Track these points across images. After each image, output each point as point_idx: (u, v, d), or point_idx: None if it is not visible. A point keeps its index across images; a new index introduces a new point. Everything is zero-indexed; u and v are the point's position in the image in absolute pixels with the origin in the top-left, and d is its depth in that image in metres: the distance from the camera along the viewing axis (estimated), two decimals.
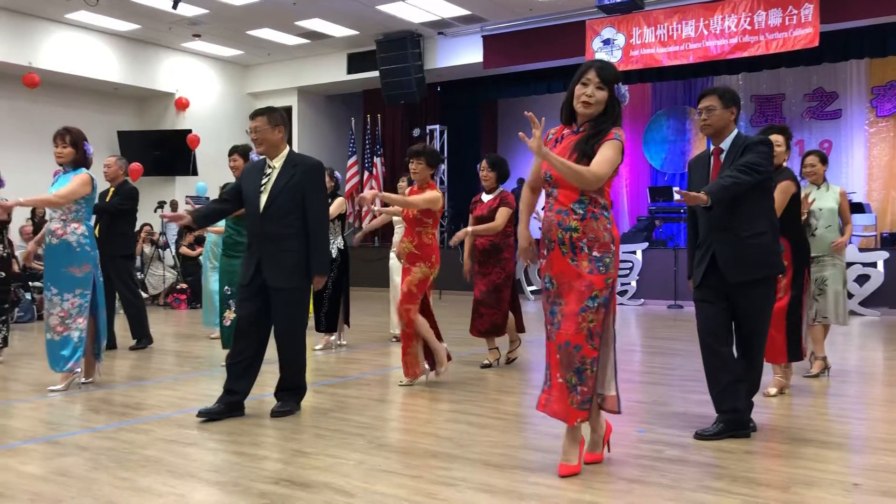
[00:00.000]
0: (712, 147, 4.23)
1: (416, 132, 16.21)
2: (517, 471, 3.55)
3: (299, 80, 16.62)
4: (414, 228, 5.59)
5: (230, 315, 6.20)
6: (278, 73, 16.81)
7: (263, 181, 4.69)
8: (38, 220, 12.00)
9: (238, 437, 4.15)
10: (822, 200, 6.06)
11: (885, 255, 11.09)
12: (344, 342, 7.73)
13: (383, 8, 13.15)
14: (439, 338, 5.70)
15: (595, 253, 3.41)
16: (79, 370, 5.52)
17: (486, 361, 6.49)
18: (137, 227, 13.18)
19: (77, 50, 13.98)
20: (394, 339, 7.99)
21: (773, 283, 4.21)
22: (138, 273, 12.17)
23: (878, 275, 10.97)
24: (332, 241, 7.26)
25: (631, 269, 12.62)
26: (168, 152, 15.13)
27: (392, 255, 8.02)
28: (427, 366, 5.70)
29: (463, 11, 13.40)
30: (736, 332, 4.20)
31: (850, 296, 11.04)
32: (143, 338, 7.62)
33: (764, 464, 3.69)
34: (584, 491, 3.26)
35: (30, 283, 9.69)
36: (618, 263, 3.55)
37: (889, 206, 14.07)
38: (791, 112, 14.97)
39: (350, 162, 16.56)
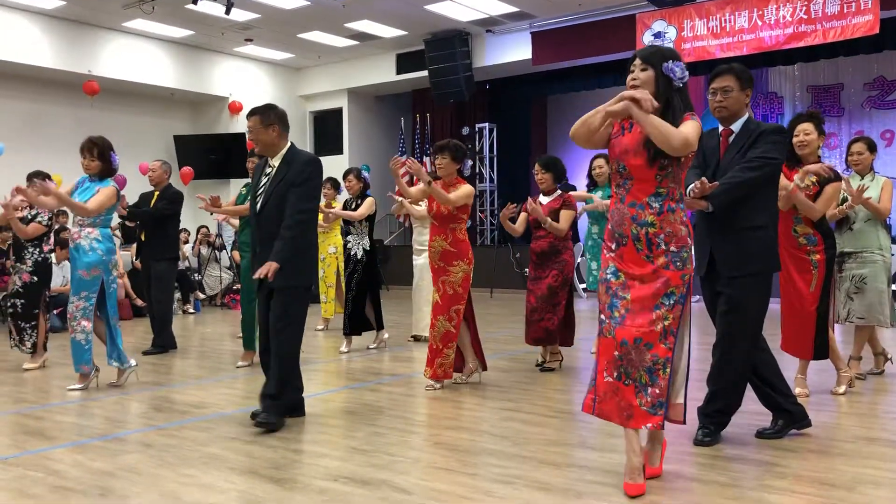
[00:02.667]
0: (721, 128, 4.00)
1: (465, 131, 16.23)
2: (573, 469, 3.54)
3: (349, 82, 16.78)
4: (447, 225, 5.44)
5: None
6: (328, 75, 17.00)
7: (263, 181, 4.56)
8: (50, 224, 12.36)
9: (297, 435, 4.22)
10: (866, 192, 5.47)
11: None
12: (374, 346, 7.48)
13: (431, 7, 13.19)
14: (479, 349, 5.62)
15: (672, 248, 3.21)
16: (92, 371, 5.68)
17: (549, 365, 6.24)
18: (194, 230, 13.54)
19: (134, 57, 14.34)
20: (410, 339, 7.95)
21: (767, 281, 3.88)
22: (195, 274, 12.45)
23: None
24: (357, 241, 7.29)
25: None
26: (222, 155, 15.43)
27: (416, 255, 7.87)
28: (472, 364, 5.67)
29: (511, 8, 13.36)
30: (717, 322, 3.93)
31: None
32: (162, 343, 7.49)
33: (828, 463, 3.61)
34: None
35: None
36: (693, 258, 3.42)
37: None
38: (850, 102, 14.57)
39: None
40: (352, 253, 7.30)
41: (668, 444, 3.69)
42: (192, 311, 11.68)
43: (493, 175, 16.29)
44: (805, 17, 11.52)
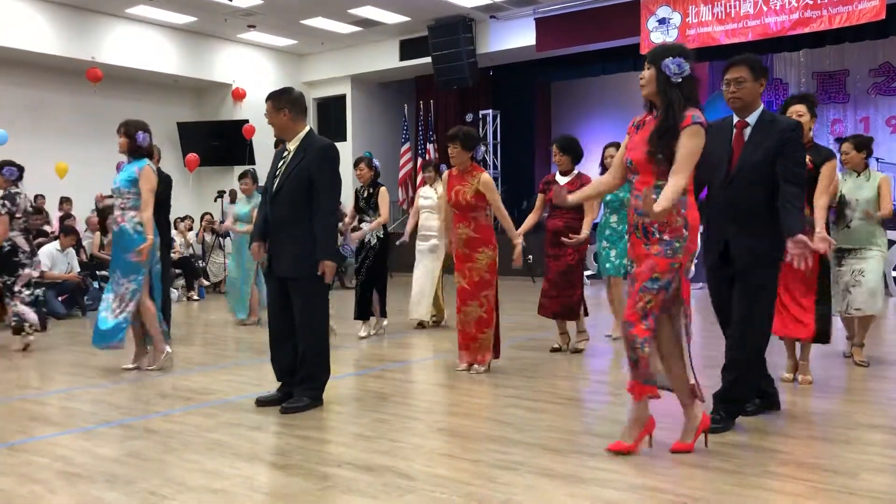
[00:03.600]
0: (736, 119, 3.97)
1: (469, 117, 16.19)
2: (577, 455, 3.55)
3: (352, 68, 16.75)
4: (468, 214, 5.48)
5: None
6: (332, 62, 16.96)
7: (280, 165, 4.55)
8: (101, 209, 12.38)
9: (301, 422, 4.24)
10: (861, 190, 5.63)
11: None
12: (373, 332, 7.45)
13: None
14: (498, 334, 5.63)
15: (666, 237, 3.46)
16: (120, 344, 5.74)
17: (556, 345, 6.39)
18: (198, 217, 13.55)
19: (137, 44, 14.32)
20: (417, 326, 7.90)
21: (774, 272, 3.91)
22: (199, 261, 12.47)
23: None
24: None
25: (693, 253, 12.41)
26: (226, 142, 15.43)
27: (420, 240, 7.88)
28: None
29: None
30: (735, 309, 3.93)
31: None
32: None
33: (831, 450, 3.62)
34: (645, 476, 3.24)
35: (97, 272, 9.99)
36: (692, 248, 3.50)
37: None
38: (855, 88, 14.50)
39: (403, 148, 16.64)
40: (365, 240, 7.32)
41: (672, 430, 3.72)
42: (196, 297, 11.71)
43: (497, 162, 16.26)
44: (810, 2, 11.45)
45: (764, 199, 3.81)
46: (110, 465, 3.51)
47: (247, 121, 15.30)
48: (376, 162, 7.48)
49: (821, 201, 4.70)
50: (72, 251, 9.41)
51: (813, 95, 4.99)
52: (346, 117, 17.28)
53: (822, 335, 4.97)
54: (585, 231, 6.05)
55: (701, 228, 3.89)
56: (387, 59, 16.20)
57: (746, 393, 4.01)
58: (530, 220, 6.26)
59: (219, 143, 15.38)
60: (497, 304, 5.57)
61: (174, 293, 11.55)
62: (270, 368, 4.72)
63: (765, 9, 11.85)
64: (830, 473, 3.25)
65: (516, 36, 14.57)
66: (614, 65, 14.51)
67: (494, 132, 16.30)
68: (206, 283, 12.33)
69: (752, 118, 3.93)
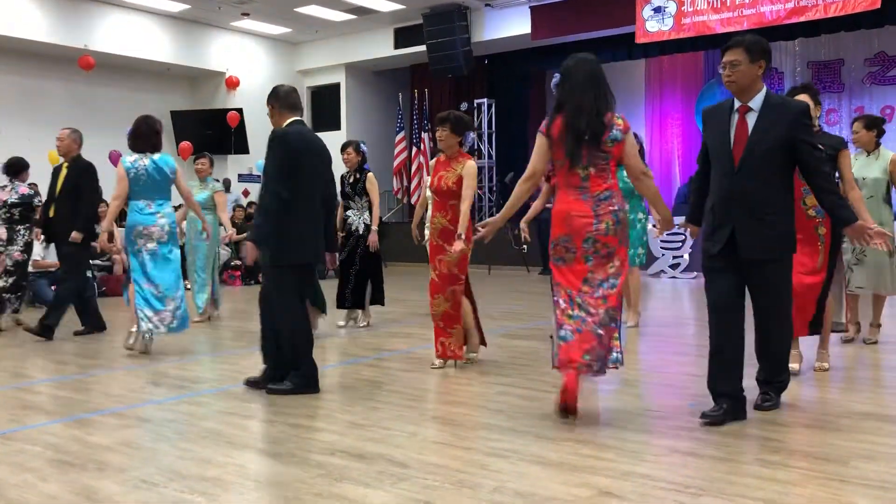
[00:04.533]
0: (738, 104, 3.84)
1: (464, 106, 16.12)
2: (569, 443, 3.56)
3: (347, 57, 16.68)
4: (447, 202, 5.23)
5: None
6: (326, 50, 16.88)
7: None
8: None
9: (294, 410, 4.24)
10: (869, 168, 5.77)
11: None
12: (363, 323, 7.34)
13: None
14: (479, 323, 5.52)
15: None
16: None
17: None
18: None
19: (130, 31, 14.23)
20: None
21: (789, 262, 3.91)
22: None
23: None
24: (358, 216, 7.16)
25: (683, 242, 12.44)
26: (220, 131, 15.37)
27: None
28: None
29: None
30: (753, 307, 3.92)
31: None
32: (49, 327, 6.70)
33: (822, 437, 3.63)
34: (637, 463, 3.25)
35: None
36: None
37: None
38: (851, 78, 14.49)
39: (398, 137, 16.59)
40: (352, 228, 7.18)
41: (665, 419, 3.76)
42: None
43: (492, 151, 16.23)
44: None
45: (776, 188, 3.77)
46: (102, 453, 3.51)
47: (240, 109, 15.22)
48: (364, 147, 7.31)
49: (854, 193, 4.79)
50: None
51: (814, 85, 5.00)
52: (340, 106, 17.22)
53: (815, 328, 4.82)
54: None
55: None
56: (381, 47, 16.14)
57: (787, 365, 4.14)
58: (537, 207, 6.19)
59: (212, 131, 15.32)
60: (472, 296, 5.44)
61: None
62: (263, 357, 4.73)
63: None
64: (822, 461, 3.26)
65: (511, 24, 14.52)
66: (609, 53, 14.46)
67: (489, 121, 16.26)
68: None
69: (755, 102, 3.80)
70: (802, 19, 11.65)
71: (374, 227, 7.11)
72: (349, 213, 7.22)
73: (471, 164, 5.22)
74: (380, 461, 3.32)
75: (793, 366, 4.72)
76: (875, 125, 5.82)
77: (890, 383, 4.91)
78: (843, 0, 11.18)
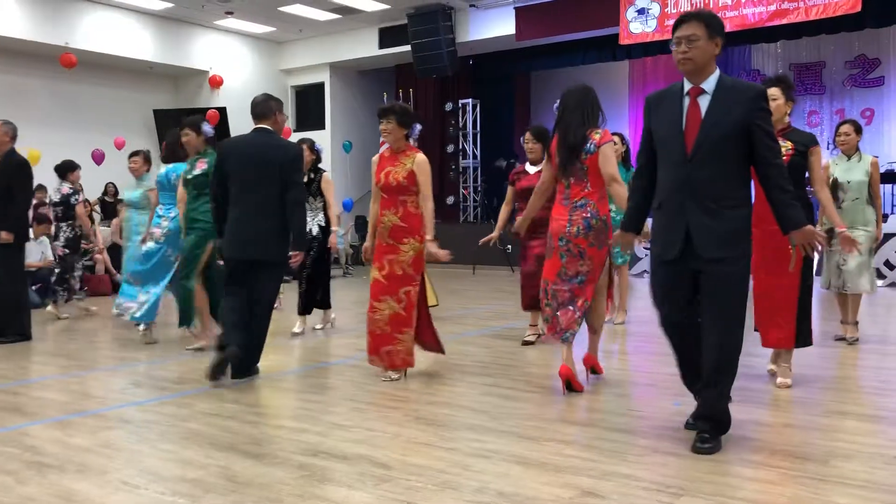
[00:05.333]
0: (688, 85, 3.46)
1: (449, 106, 16.15)
2: (552, 443, 3.57)
3: (331, 56, 16.63)
4: (397, 198, 4.91)
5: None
6: (311, 49, 16.83)
7: None
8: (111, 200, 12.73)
9: (277, 411, 4.23)
10: (852, 172, 5.91)
11: None
12: (321, 326, 7.10)
13: None
14: (436, 337, 5.16)
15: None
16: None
17: (527, 338, 6.27)
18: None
19: (112, 29, 14.12)
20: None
21: (746, 265, 3.47)
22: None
23: None
24: (312, 217, 6.81)
25: None
26: None
27: None
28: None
29: None
30: (702, 315, 3.50)
31: (892, 267, 10.85)
32: (14, 332, 6.54)
33: (803, 437, 3.66)
34: (619, 463, 3.26)
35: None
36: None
37: None
38: (832, 80, 14.63)
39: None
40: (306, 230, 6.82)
41: (648, 419, 3.77)
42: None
43: (477, 151, 16.25)
44: None
45: (732, 178, 3.41)
46: (83, 454, 3.48)
47: (224, 108, 15.14)
48: (319, 146, 6.98)
49: (824, 193, 4.69)
50: (45, 239, 9.30)
51: (788, 78, 4.75)
52: (324, 105, 17.16)
53: (805, 339, 4.68)
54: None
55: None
56: (366, 46, 16.10)
57: (728, 400, 3.53)
58: (504, 214, 6.24)
59: None
60: (425, 301, 5.11)
61: None
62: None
63: (743, 0, 11.90)
64: (802, 460, 3.29)
65: (496, 25, 14.53)
66: (594, 54, 14.53)
67: (474, 121, 16.28)
68: None
69: (708, 84, 3.42)
70: (784, 22, 11.74)
71: (334, 229, 6.86)
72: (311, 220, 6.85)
73: (422, 158, 4.94)
74: (362, 462, 3.32)
75: (784, 380, 4.62)
76: (860, 130, 6.04)
77: (867, 383, 4.96)
78: (823, 3, 11.27)
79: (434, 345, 5.19)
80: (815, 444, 3.52)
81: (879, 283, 10.78)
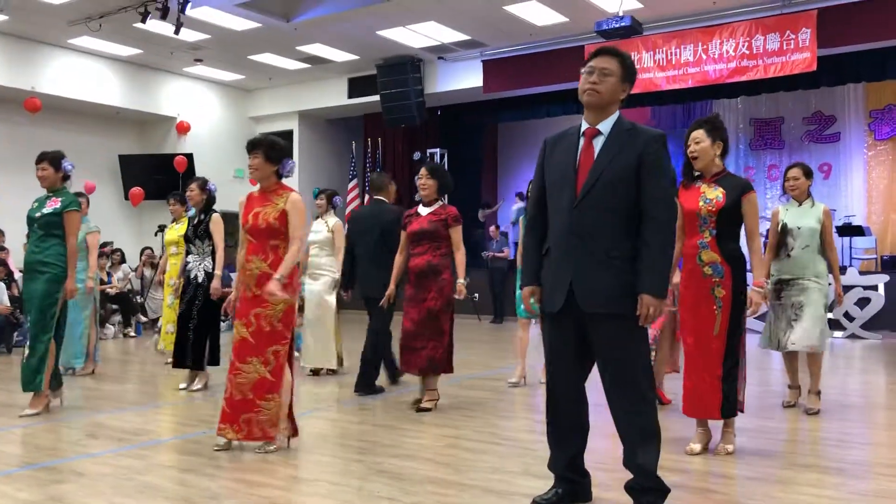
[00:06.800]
0: (585, 125, 3.25)
1: (417, 156, 16.26)
2: (516, 497, 3.52)
3: (300, 104, 16.71)
4: (267, 242, 4.39)
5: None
6: (279, 98, 16.90)
7: None
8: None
9: (236, 464, 4.13)
10: (803, 218, 5.45)
11: (886, 278, 11.08)
12: (198, 386, 6.42)
13: (384, 33, 13.24)
14: (290, 407, 4.50)
15: None
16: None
17: (425, 405, 5.54)
18: (137, 251, 13.24)
19: (79, 74, 14.06)
20: (309, 374, 7.24)
21: (638, 321, 3.11)
22: (138, 297, 12.17)
23: (878, 298, 10.95)
24: (198, 263, 6.40)
25: None
26: (169, 176, 15.16)
27: (310, 279, 7.18)
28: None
29: (463, 37, 13.49)
30: (602, 381, 3.23)
31: (851, 319, 11.04)
32: None
33: (764, 489, 3.66)
34: None
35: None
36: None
37: (889, 229, 14.09)
38: (790, 135, 15.05)
39: (351, 185, 16.62)
40: (191, 276, 6.36)
41: (611, 471, 3.72)
42: (133, 334, 11.40)
43: (444, 199, 16.31)
44: (747, 52, 11.88)
45: (624, 227, 3.13)
46: None
47: (191, 154, 15.08)
48: (212, 185, 6.51)
49: (755, 243, 4.23)
50: (1, 285, 9.11)
51: (716, 118, 4.35)
52: (292, 153, 17.18)
53: (729, 410, 4.23)
54: (462, 275, 5.47)
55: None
56: (335, 96, 16.23)
57: (656, 466, 3.23)
58: (399, 264, 5.65)
59: (161, 176, 15.11)
60: (291, 364, 4.52)
61: (110, 329, 11.26)
62: (207, 409, 4.60)
63: (704, 57, 12.24)
64: None
65: (464, 77, 14.75)
66: (559, 107, 14.77)
67: None
68: (143, 319, 12.01)
69: (604, 125, 3.21)
70: (744, 79, 12.09)
71: (217, 273, 6.28)
72: (189, 258, 6.47)
73: (296, 198, 4.46)
74: None
75: (693, 446, 4.28)
76: (811, 174, 5.62)
77: (834, 435, 4.98)
78: (781, 62, 11.64)
79: (290, 419, 4.49)
80: (776, 497, 3.52)
81: (838, 334, 10.98)
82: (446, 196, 6.26)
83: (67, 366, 7.27)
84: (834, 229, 12.87)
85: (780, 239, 5.51)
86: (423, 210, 5.64)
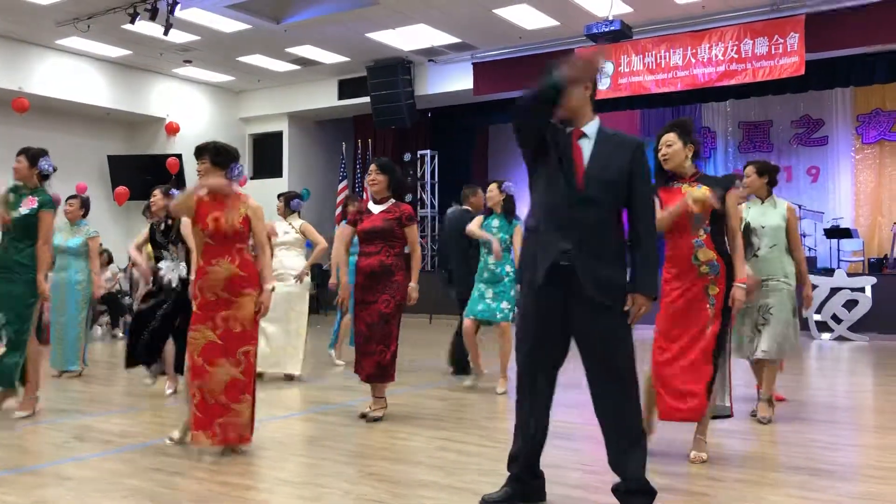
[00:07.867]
0: (570, 129, 3.38)
1: (407, 157, 16.26)
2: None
3: (290, 106, 16.69)
4: (233, 245, 4.38)
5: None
6: (269, 99, 16.87)
7: None
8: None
9: (224, 467, 4.10)
10: (767, 216, 5.29)
11: (873, 280, 11.14)
12: (170, 390, 6.31)
13: (374, 36, 13.24)
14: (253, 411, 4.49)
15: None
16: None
17: (375, 414, 5.29)
18: (125, 252, 13.16)
19: (68, 75, 14.00)
20: (284, 377, 7.06)
21: (627, 321, 3.25)
22: (126, 298, 12.10)
23: (865, 300, 11.01)
24: (171, 268, 6.15)
25: None
26: (158, 177, 15.09)
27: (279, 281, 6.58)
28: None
29: (453, 39, 13.50)
30: (588, 378, 3.31)
31: (839, 321, 11.08)
32: None
33: (754, 492, 3.66)
34: None
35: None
36: None
37: (876, 232, 14.18)
38: (779, 139, 15.12)
39: (340, 186, 16.60)
40: (164, 281, 6.12)
41: (600, 473, 3.72)
42: (121, 335, 11.34)
43: (435, 201, 16.34)
44: (736, 56, 11.93)
45: (613, 226, 3.29)
46: None
47: (180, 155, 15.03)
48: (175, 191, 6.18)
49: (737, 240, 4.20)
50: None
51: (688, 121, 4.39)
52: (282, 154, 17.15)
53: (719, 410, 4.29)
54: (415, 279, 5.28)
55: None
56: (325, 97, 16.21)
57: (643, 469, 3.28)
58: (343, 258, 5.45)
59: (150, 177, 15.04)
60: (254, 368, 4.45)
61: (98, 330, 11.19)
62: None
63: (693, 61, 12.29)
64: None
65: (454, 79, 14.76)
66: None
67: (432, 172, 16.40)
68: (130, 320, 11.94)
69: (590, 129, 3.36)
70: (733, 82, 12.14)
71: (192, 277, 5.97)
72: (161, 264, 6.22)
73: (255, 203, 4.50)
74: None
75: (700, 454, 4.22)
76: (767, 172, 5.41)
77: (823, 438, 4.99)
78: (770, 66, 11.70)
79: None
80: (766, 500, 3.53)
81: (826, 336, 11.03)
82: (438, 197, 6.14)
83: (63, 369, 7.30)
84: (822, 232, 13.15)
85: (745, 239, 5.20)
86: (374, 207, 5.36)
